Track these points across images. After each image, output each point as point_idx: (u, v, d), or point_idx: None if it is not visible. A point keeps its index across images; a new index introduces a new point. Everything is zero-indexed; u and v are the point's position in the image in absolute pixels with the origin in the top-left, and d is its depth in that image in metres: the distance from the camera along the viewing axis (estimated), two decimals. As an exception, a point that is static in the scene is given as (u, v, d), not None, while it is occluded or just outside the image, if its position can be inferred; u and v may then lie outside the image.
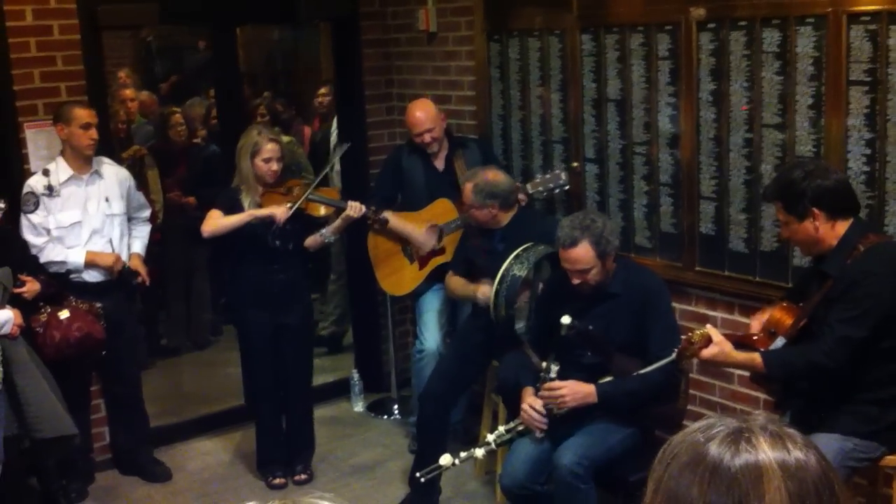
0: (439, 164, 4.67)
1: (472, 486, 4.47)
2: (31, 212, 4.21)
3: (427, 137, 4.55)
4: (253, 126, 4.46)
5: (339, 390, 5.54)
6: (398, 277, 4.74)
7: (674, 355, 3.09)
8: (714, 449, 1.09)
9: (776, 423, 1.13)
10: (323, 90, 7.08)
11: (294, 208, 4.21)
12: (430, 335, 4.71)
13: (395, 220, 4.61)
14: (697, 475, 1.08)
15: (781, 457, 1.07)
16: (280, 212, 4.17)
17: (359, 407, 5.46)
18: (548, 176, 4.39)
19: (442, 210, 4.59)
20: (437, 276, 4.63)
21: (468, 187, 4.10)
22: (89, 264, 4.29)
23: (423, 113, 4.57)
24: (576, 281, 3.44)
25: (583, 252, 3.37)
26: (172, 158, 6.18)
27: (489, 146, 4.83)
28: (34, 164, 4.37)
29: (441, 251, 4.60)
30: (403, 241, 4.67)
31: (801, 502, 1.05)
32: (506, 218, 4.13)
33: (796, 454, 1.08)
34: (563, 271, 3.49)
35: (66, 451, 4.07)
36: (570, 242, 3.38)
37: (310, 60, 8.57)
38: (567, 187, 4.40)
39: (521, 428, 3.54)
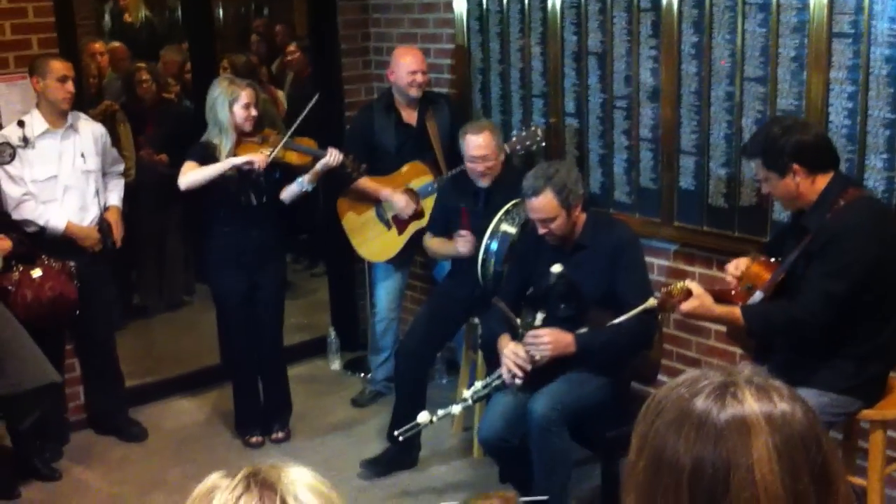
0: (411, 120, 4.60)
1: (450, 443, 4.47)
2: (8, 163, 4.13)
3: (420, 77, 4.48)
4: (221, 78, 4.36)
5: (316, 349, 5.51)
6: (377, 244, 4.69)
7: (648, 303, 3.09)
8: (700, 403, 1.08)
9: (761, 376, 1.11)
10: (291, 47, 6.94)
11: (273, 154, 4.14)
12: (381, 302, 4.87)
13: (372, 183, 4.55)
14: (684, 431, 1.07)
15: (768, 410, 1.06)
16: (260, 158, 4.10)
17: (335, 365, 5.44)
18: (524, 133, 4.33)
19: (415, 173, 4.54)
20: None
21: (488, 134, 4.02)
22: (68, 234, 4.24)
23: (414, 56, 4.52)
24: (541, 231, 3.45)
25: (545, 201, 3.38)
26: (142, 115, 6.04)
27: (455, 105, 4.78)
28: (6, 118, 4.28)
29: (420, 215, 4.55)
30: (377, 207, 4.61)
31: (788, 455, 1.04)
32: (495, 173, 4.08)
33: (782, 406, 1.07)
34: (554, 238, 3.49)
35: (51, 399, 4.01)
36: (533, 192, 3.39)
37: (282, 15, 8.42)
38: (544, 144, 4.35)
39: (497, 383, 3.54)
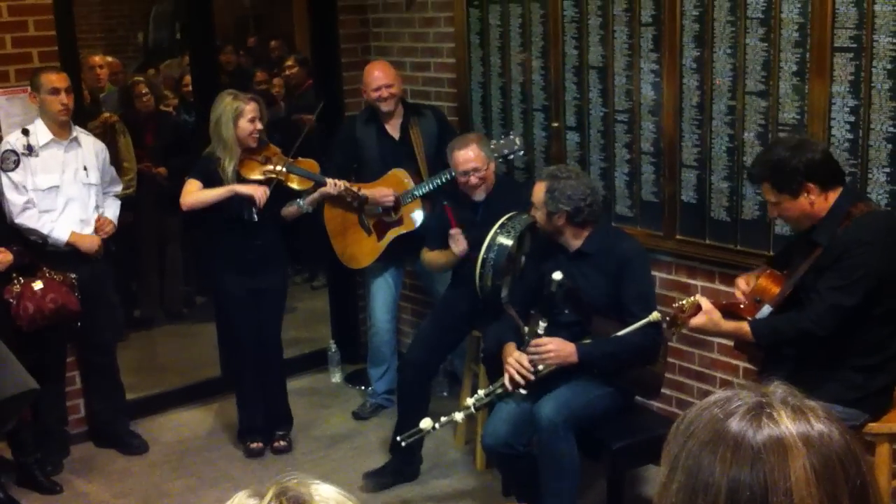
0: (394, 132, 4.61)
1: (452, 456, 4.47)
2: (12, 170, 4.14)
3: (385, 92, 4.49)
4: (224, 93, 4.36)
5: (317, 361, 5.51)
6: (356, 250, 4.69)
7: (652, 317, 3.11)
8: (735, 424, 1.06)
9: (796, 396, 1.09)
10: (289, 61, 6.95)
11: (272, 185, 4.19)
12: (377, 314, 4.85)
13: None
14: (719, 453, 1.05)
15: (804, 430, 1.04)
16: (260, 195, 4.13)
17: (336, 378, 5.43)
18: (502, 141, 4.31)
19: (396, 180, 4.55)
20: (391, 255, 4.63)
21: (475, 146, 4.05)
22: (70, 244, 4.24)
23: (380, 71, 4.54)
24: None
25: (537, 189, 3.53)
26: (140, 127, 6.05)
27: (443, 116, 4.79)
28: (7, 131, 4.29)
29: (398, 222, 4.57)
30: (359, 213, 4.61)
31: (827, 477, 1.02)
32: (489, 183, 4.11)
33: (819, 427, 1.05)
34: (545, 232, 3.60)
35: (25, 405, 3.97)
36: (538, 176, 3.60)
37: (281, 29, 8.44)
38: (522, 152, 4.35)
39: (500, 391, 3.55)
